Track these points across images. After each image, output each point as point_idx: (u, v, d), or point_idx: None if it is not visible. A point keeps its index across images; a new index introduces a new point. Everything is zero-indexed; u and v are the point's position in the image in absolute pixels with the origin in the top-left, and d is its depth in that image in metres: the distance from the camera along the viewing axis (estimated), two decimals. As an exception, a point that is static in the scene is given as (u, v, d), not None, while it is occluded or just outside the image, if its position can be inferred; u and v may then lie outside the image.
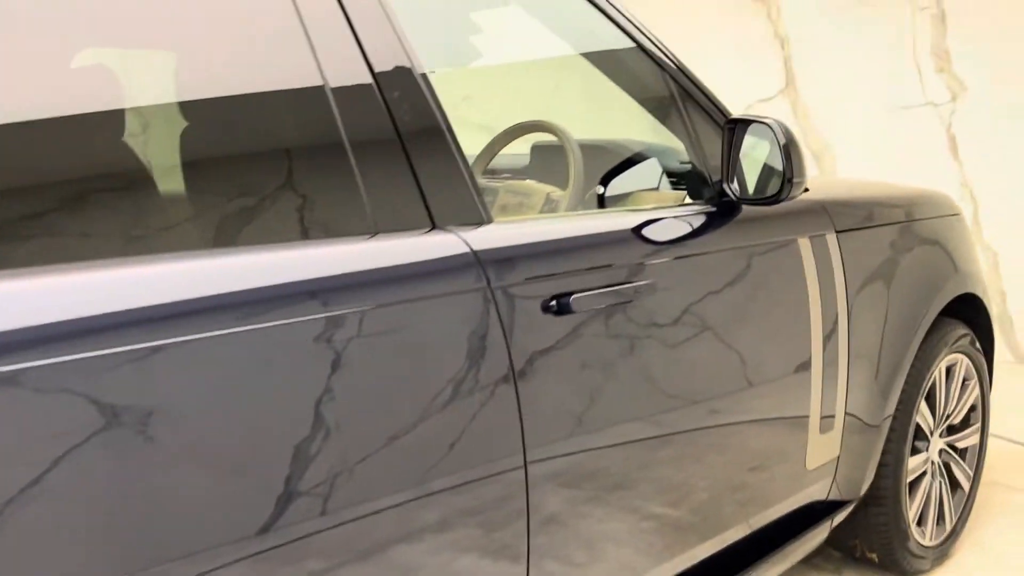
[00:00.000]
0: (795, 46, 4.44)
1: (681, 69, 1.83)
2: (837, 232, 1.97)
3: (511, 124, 2.27)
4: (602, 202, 1.92)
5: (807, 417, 1.89)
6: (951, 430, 2.45)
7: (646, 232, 1.60)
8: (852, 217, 2.06)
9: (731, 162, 1.77)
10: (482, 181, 2.24)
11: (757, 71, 4.49)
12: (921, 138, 4.33)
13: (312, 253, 1.16)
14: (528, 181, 2.17)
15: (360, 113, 1.24)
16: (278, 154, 1.25)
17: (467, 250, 1.28)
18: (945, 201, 2.49)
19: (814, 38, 4.41)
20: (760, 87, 4.50)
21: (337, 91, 1.22)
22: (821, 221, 1.96)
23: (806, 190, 1.99)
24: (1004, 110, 4.17)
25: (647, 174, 1.99)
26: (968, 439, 2.50)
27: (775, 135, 1.74)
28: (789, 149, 1.72)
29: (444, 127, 1.34)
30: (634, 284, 1.49)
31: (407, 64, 1.32)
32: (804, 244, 1.88)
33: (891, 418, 2.14)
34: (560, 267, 1.40)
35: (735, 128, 1.78)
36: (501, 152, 2.29)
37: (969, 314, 2.47)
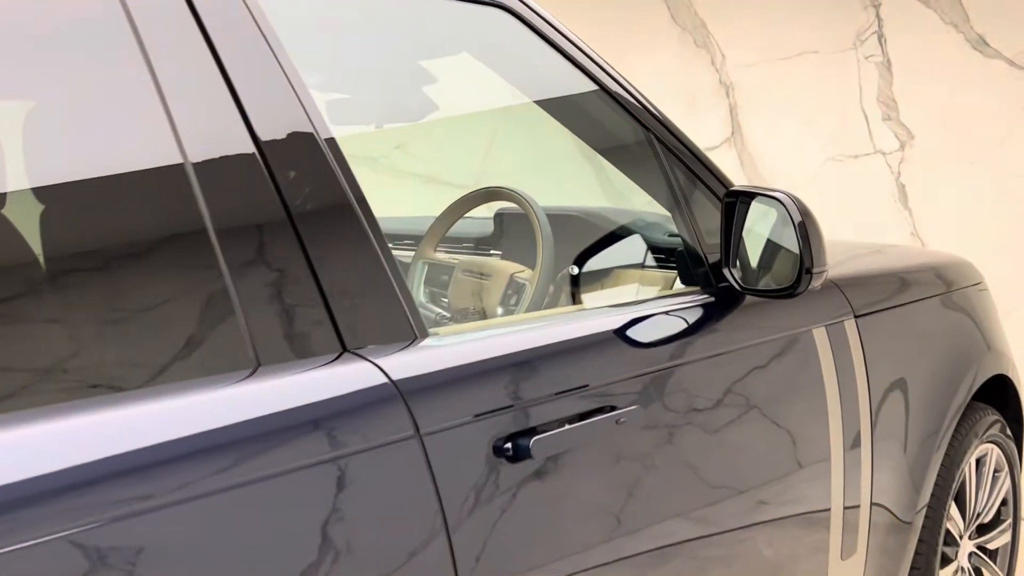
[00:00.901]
0: (740, 94, 4.31)
1: (666, 124, 1.56)
2: (856, 316, 1.71)
3: (453, 178, 2.02)
4: (576, 284, 1.66)
5: (826, 551, 1.65)
6: (981, 530, 2.19)
7: (631, 336, 1.32)
8: (871, 296, 1.80)
9: (732, 243, 1.48)
10: (437, 255, 1.98)
11: (702, 119, 4.35)
12: (871, 187, 4.22)
13: (146, 410, 0.80)
14: (490, 258, 1.89)
15: (236, 198, 0.92)
16: (108, 260, 0.88)
17: (385, 381, 0.96)
18: (969, 269, 2.21)
19: (759, 86, 4.29)
20: (705, 136, 4.35)
21: (203, 170, 0.89)
22: (837, 305, 1.69)
23: None
24: (952, 157, 4.08)
25: (630, 251, 1.72)
26: (999, 538, 2.24)
27: (788, 213, 1.43)
28: (807, 230, 1.42)
29: (360, 214, 1.03)
30: (616, 412, 1.20)
31: (308, 132, 1.00)
32: (820, 335, 1.61)
33: (920, 529, 1.88)
34: (519, 396, 1.09)
35: (736, 201, 1.48)
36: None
37: (998, 396, 2.21)
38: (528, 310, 1.65)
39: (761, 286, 1.48)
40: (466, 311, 1.83)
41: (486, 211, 2.03)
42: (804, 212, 1.44)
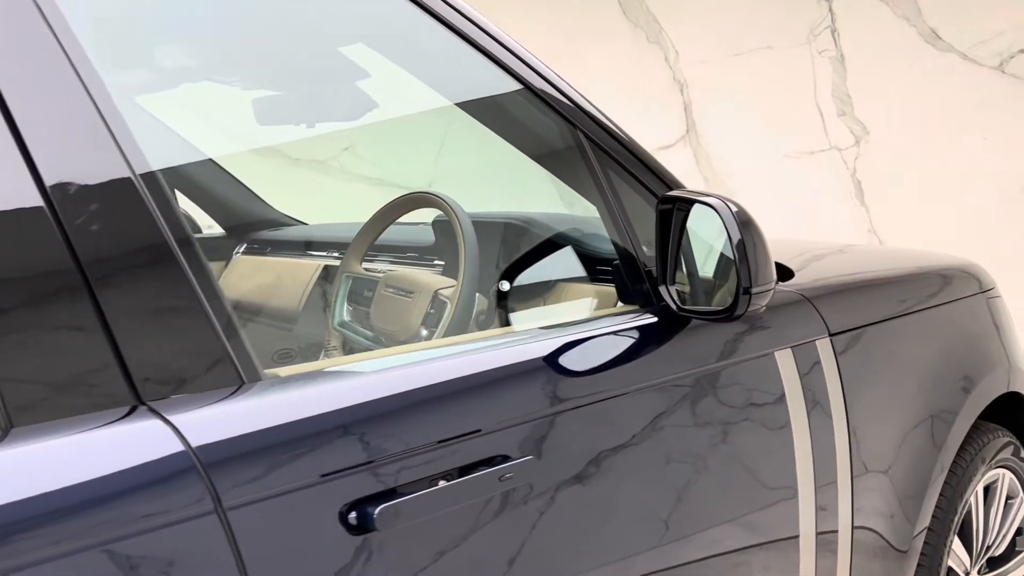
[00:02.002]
0: (694, 91, 4.23)
1: (595, 118, 1.32)
2: (832, 335, 1.49)
3: (405, 181, 1.85)
4: (506, 301, 1.51)
5: None
6: (993, 563, 1.95)
7: (540, 368, 1.12)
8: (853, 312, 1.57)
9: (668, 256, 1.28)
10: (361, 269, 1.82)
11: (656, 117, 4.27)
12: (827, 183, 4.17)
13: None
14: (416, 271, 1.72)
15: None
16: None
17: (179, 448, 0.77)
18: (977, 275, 1.94)
19: (713, 83, 4.22)
20: (660, 134, 4.27)
21: None
22: (808, 323, 1.46)
23: (789, 275, 1.58)
24: (907, 153, 4.05)
25: (572, 264, 1.53)
26: (1014, 572, 2.00)
27: (723, 222, 1.23)
28: (745, 243, 1.21)
29: (167, 235, 0.84)
30: (502, 467, 0.99)
31: (98, 141, 0.82)
32: (784, 359, 1.40)
33: (919, 555, 1.68)
34: (371, 454, 0.89)
35: (673, 208, 1.27)
36: (405, 221, 1.85)
37: (1013, 416, 1.98)
38: (448, 332, 1.48)
39: (701, 307, 1.28)
40: (389, 333, 1.65)
41: (430, 218, 1.88)
42: (743, 221, 1.23)
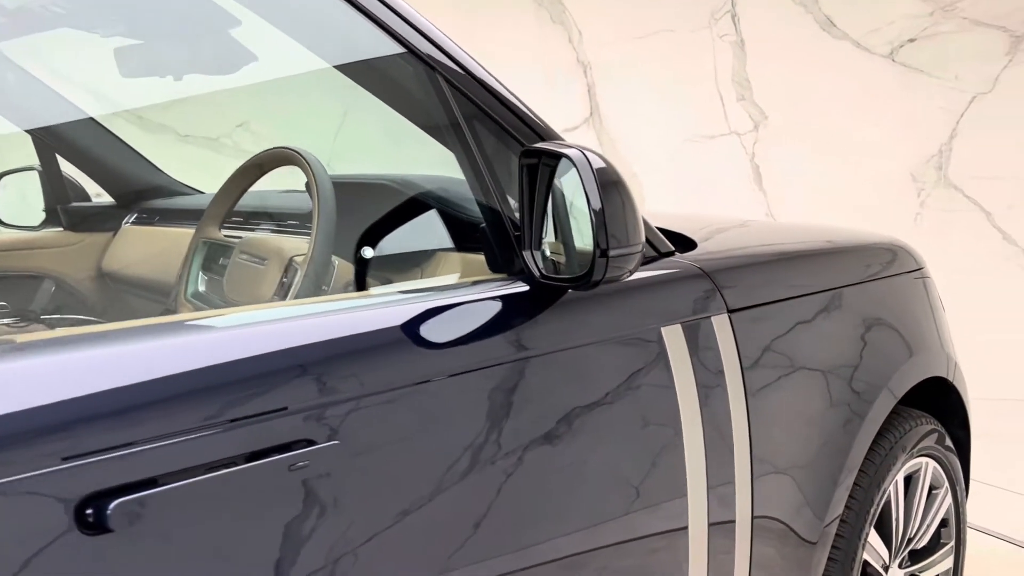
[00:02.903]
0: (598, 73, 4.21)
1: (456, 58, 1.16)
2: (731, 312, 1.37)
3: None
4: (366, 270, 1.36)
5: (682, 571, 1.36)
6: (916, 556, 1.86)
7: (372, 339, 0.99)
8: (757, 288, 1.46)
9: (533, 216, 1.14)
10: (220, 234, 1.66)
11: (560, 99, 4.23)
12: (726, 168, 4.22)
13: None
14: (272, 236, 1.57)
15: None
16: None
17: None
18: (901, 253, 1.86)
19: (617, 65, 4.21)
20: (564, 116, 4.24)
21: None
22: (704, 297, 1.35)
23: (691, 246, 1.48)
24: (804, 139, 4.13)
25: (441, 228, 1.41)
26: (938, 565, 1.91)
27: (579, 175, 1.08)
28: (603, 198, 1.06)
29: None
30: (301, 452, 0.87)
31: None
32: (672, 336, 1.28)
33: (830, 548, 1.58)
34: (120, 435, 0.76)
35: (539, 163, 1.12)
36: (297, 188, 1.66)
37: (939, 402, 1.91)
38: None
39: (560, 274, 1.14)
40: (240, 305, 1.51)
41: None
42: (602, 174, 1.08)
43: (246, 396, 0.86)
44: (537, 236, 1.15)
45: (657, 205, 4.20)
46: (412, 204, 1.47)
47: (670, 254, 1.40)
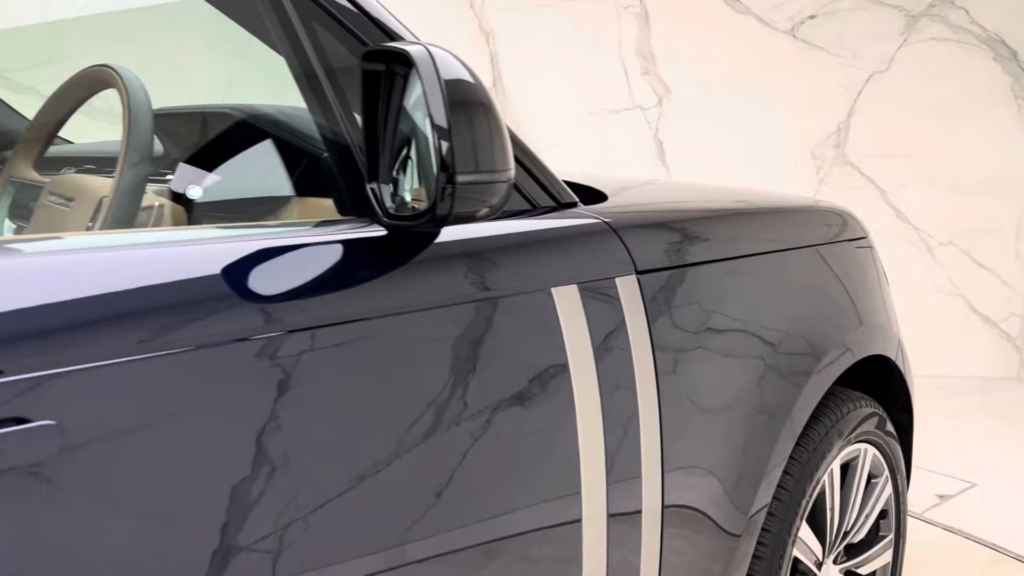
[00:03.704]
0: (501, 41, 4.08)
1: None
2: (640, 274, 1.19)
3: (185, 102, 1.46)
4: (193, 212, 1.15)
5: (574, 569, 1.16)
6: (852, 551, 1.73)
7: (146, 286, 0.78)
8: (674, 247, 1.30)
9: (380, 139, 0.94)
10: (33, 174, 1.43)
11: (461, 68, 4.07)
12: (630, 143, 4.15)
13: None
14: (82, 176, 1.34)
15: None
16: None
17: None
18: (845, 219, 1.72)
19: (520, 33, 4.08)
20: (465, 86, 4.08)
21: None
22: (608, 255, 1.17)
23: (601, 198, 1.33)
24: (707, 115, 4.10)
25: (289, 166, 1.18)
26: (877, 559, 1.78)
27: (421, 80, 0.87)
28: (451, 118, 0.86)
29: None
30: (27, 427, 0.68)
31: None
32: (565, 298, 1.08)
33: (755, 541, 1.42)
34: None
35: (385, 70, 0.92)
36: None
37: (881, 383, 1.77)
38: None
39: (405, 212, 0.94)
40: None
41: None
42: (456, 84, 0.87)
43: None
44: (386, 165, 0.93)
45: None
46: (258, 136, 1.23)
47: (572, 205, 1.22)
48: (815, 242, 1.61)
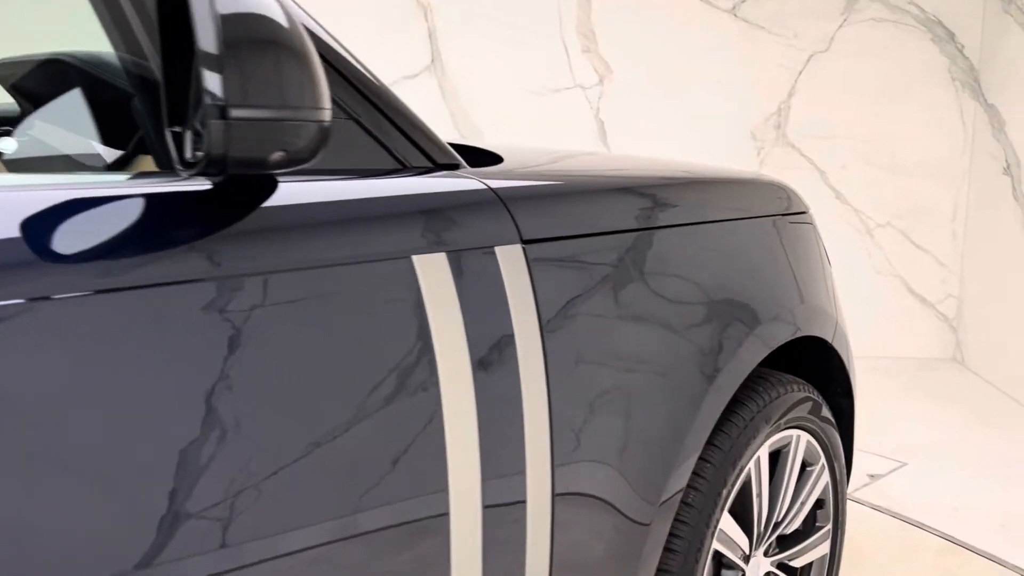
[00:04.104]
0: (439, 16, 3.99)
1: None
2: (526, 243, 1.08)
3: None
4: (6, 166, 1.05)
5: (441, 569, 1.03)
6: (785, 542, 1.64)
7: None
8: (571, 217, 1.18)
9: (182, 79, 0.81)
10: None
11: (400, 44, 3.98)
12: (571, 122, 4.10)
13: None
14: None
15: None
16: None
17: None
18: (779, 192, 1.63)
19: (459, 8, 4.00)
20: (405, 63, 4.00)
21: None
22: (488, 223, 1.06)
23: (494, 160, 1.25)
24: (648, 94, 4.06)
25: (108, 110, 1.06)
26: (812, 551, 1.69)
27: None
28: (225, 41, 0.75)
29: None
30: None
31: None
32: (429, 267, 0.97)
33: (666, 532, 1.31)
34: None
35: None
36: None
37: (818, 367, 1.69)
38: None
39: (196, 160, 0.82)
40: None
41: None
42: None
43: None
44: (194, 104, 0.78)
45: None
46: (92, 83, 1.10)
47: (453, 167, 1.12)
48: (746, 214, 1.53)
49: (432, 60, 4.01)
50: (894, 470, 2.92)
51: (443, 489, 0.98)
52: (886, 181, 4.14)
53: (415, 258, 0.96)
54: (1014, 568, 2.22)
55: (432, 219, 1.01)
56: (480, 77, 4.04)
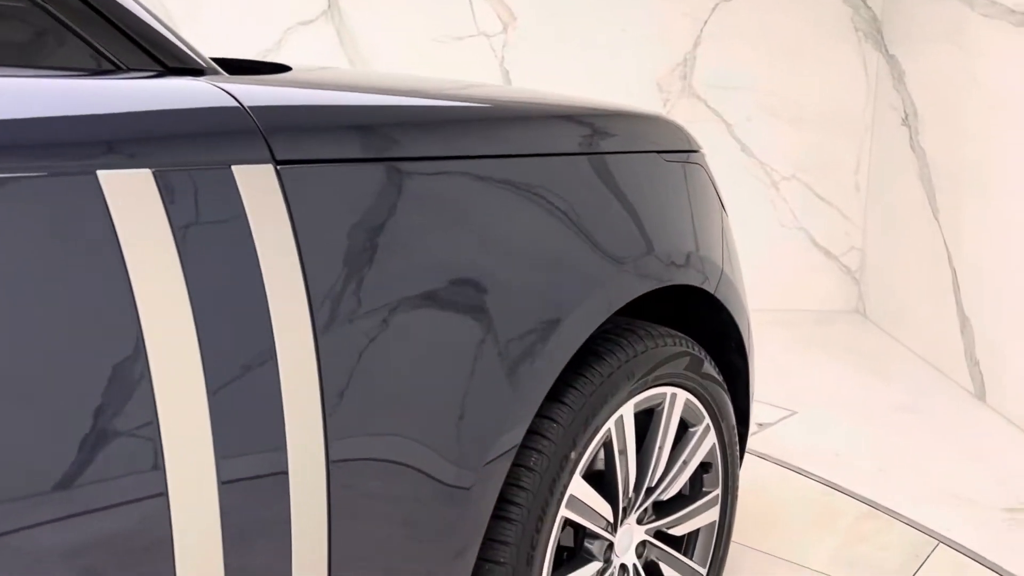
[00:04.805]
0: (335, -40, 3.84)
1: None
2: (281, 164, 0.92)
3: None
4: None
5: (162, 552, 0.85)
6: (662, 508, 1.53)
7: None
8: (347, 137, 1.01)
9: None
10: None
11: (294, -12, 3.83)
12: (476, 71, 3.99)
13: None
14: None
15: None
16: None
17: None
18: (664, 130, 1.51)
19: (356, -47, 3.85)
20: (301, 8, 3.85)
21: None
22: (223, 136, 0.90)
23: (243, 68, 1.12)
24: (553, 43, 3.97)
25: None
26: (698, 518, 1.58)
27: None
28: None
29: None
30: None
31: None
32: (121, 185, 0.80)
33: (491, 500, 1.15)
34: None
35: None
36: None
37: (703, 319, 1.58)
38: None
39: None
40: None
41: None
42: None
43: None
44: None
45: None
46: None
47: (195, 73, 0.98)
48: (603, 149, 1.36)
49: (329, 5, 3.87)
50: (783, 419, 2.93)
51: (161, 467, 0.82)
52: (791, 133, 4.12)
53: (101, 174, 0.78)
54: (930, 532, 2.22)
55: (134, 128, 0.85)
56: (379, 24, 3.91)
